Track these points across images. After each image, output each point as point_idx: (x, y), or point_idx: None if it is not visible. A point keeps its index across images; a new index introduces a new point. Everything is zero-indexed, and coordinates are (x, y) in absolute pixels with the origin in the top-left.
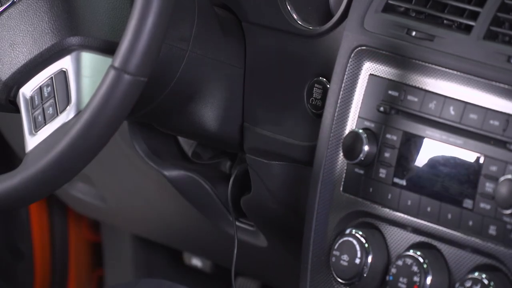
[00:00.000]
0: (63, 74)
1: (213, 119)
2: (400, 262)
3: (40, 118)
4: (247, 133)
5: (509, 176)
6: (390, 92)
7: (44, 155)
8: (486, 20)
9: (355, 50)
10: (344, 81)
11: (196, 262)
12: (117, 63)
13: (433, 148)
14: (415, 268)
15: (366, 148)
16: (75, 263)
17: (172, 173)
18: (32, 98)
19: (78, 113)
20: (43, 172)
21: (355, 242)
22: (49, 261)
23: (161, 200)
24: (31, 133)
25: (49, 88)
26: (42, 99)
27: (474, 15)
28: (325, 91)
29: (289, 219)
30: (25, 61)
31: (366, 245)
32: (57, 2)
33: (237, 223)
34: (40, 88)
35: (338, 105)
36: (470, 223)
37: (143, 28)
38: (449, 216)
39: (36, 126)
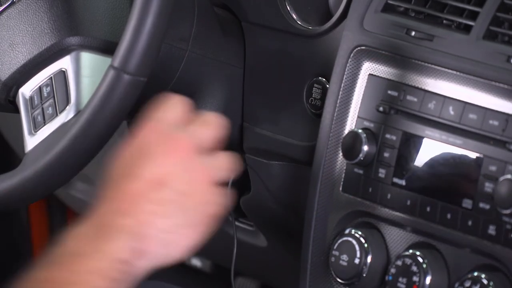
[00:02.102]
0: (62, 74)
1: None
2: (399, 262)
3: (39, 118)
4: (247, 133)
5: (508, 176)
6: (389, 92)
7: (43, 155)
8: (485, 20)
9: (355, 50)
10: (343, 81)
11: (196, 262)
12: (116, 63)
13: (432, 148)
14: (414, 268)
15: (365, 148)
16: None
17: None
18: (31, 98)
19: (78, 113)
20: (43, 172)
21: (354, 242)
22: None
23: None
24: (30, 133)
25: (48, 88)
26: (41, 99)
27: (473, 15)
28: (324, 91)
29: (288, 219)
30: (25, 61)
31: (366, 245)
32: (56, 2)
33: (236, 223)
34: (40, 88)
35: (337, 105)
36: (470, 223)
37: (143, 28)
38: (449, 216)
39: (36, 126)
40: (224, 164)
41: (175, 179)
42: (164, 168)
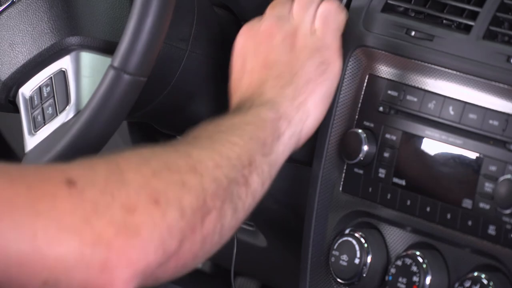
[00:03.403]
0: (62, 74)
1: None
2: (399, 262)
3: (39, 118)
4: None
5: (508, 176)
6: (389, 92)
7: (43, 155)
8: (485, 20)
9: (355, 50)
10: (343, 81)
11: None
12: (116, 63)
13: (432, 148)
14: (414, 268)
15: (365, 148)
16: None
17: None
18: (31, 98)
19: (78, 113)
20: None
21: (354, 242)
22: None
23: None
24: (30, 133)
25: (48, 88)
26: (41, 99)
27: (473, 15)
28: None
29: (288, 219)
30: (25, 61)
31: (366, 245)
32: (56, 2)
33: None
34: (40, 88)
35: (337, 105)
36: (470, 223)
37: (143, 28)
38: (449, 216)
39: (36, 126)
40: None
41: (275, 55)
42: (261, 55)
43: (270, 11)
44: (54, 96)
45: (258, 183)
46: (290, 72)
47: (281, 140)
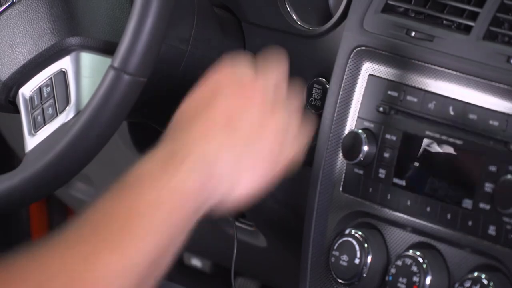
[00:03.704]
0: (62, 74)
1: None
2: (399, 262)
3: (39, 118)
4: None
5: (508, 176)
6: (389, 92)
7: (43, 156)
8: (485, 20)
9: (355, 51)
10: (343, 81)
11: (196, 262)
12: (116, 63)
13: (432, 148)
14: (414, 268)
15: (365, 148)
16: None
17: None
18: (31, 98)
19: (78, 113)
20: (43, 173)
21: (354, 242)
22: None
23: None
24: (30, 133)
25: (48, 89)
26: (41, 99)
27: (473, 16)
28: (324, 92)
29: (288, 219)
30: (25, 61)
31: (366, 245)
32: (56, 3)
33: (236, 223)
34: (40, 89)
35: (337, 105)
36: (470, 223)
37: (143, 29)
38: (449, 216)
39: (36, 127)
40: (296, 115)
41: (245, 123)
42: (234, 110)
43: (261, 75)
44: (54, 97)
45: (168, 260)
46: (250, 138)
47: (200, 210)
